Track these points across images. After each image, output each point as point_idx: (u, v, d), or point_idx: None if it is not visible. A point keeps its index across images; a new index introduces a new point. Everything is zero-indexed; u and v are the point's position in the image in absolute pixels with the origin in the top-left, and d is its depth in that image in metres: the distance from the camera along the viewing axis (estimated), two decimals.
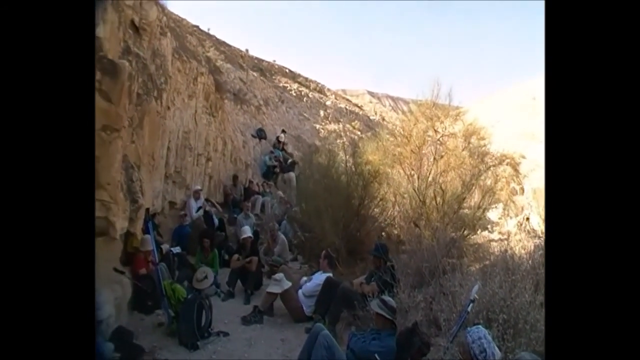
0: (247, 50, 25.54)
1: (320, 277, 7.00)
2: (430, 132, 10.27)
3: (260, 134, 19.07)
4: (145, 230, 6.82)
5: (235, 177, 14.53)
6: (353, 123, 25.80)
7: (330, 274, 7.08)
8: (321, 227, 9.31)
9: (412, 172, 9.70)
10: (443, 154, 9.87)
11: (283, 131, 19.63)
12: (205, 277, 6.93)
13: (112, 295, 5.64)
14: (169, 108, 7.73)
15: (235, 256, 8.48)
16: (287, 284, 7.02)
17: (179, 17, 18.59)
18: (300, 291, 7.14)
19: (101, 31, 3.75)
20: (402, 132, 10.86)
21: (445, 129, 10.27)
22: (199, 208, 10.92)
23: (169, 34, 7.36)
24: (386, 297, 5.10)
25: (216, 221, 11.36)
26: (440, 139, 10.10)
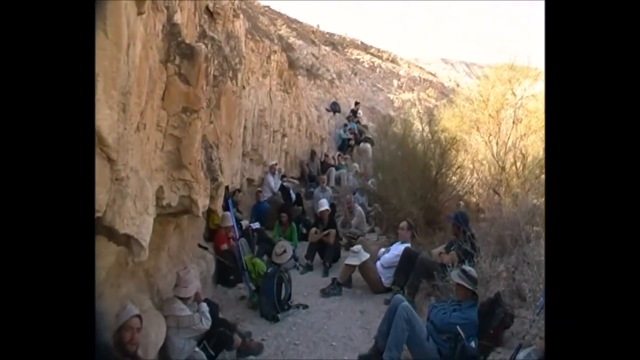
0: (318, 26, 25.43)
1: (398, 248, 6.98)
2: (509, 95, 9.84)
3: (334, 108, 19.10)
4: (225, 207, 7.07)
5: (313, 152, 14.72)
6: (427, 91, 25.30)
7: (409, 244, 7.05)
8: (398, 197, 9.25)
9: (491, 138, 9.35)
10: (523, 117, 9.44)
11: (357, 103, 19.51)
12: (284, 251, 7.11)
13: (197, 270, 5.91)
14: (244, 87, 7.87)
15: (313, 229, 8.59)
16: (365, 256, 7.06)
17: None
18: (378, 262, 7.15)
19: (179, 18, 3.88)
20: (478, 97, 10.50)
21: (525, 90, 9.80)
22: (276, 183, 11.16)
23: (241, 15, 7.47)
24: (467, 267, 5.01)
25: (293, 196, 11.57)
26: (520, 101, 9.66)
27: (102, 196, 2.21)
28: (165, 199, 3.62)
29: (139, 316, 3.68)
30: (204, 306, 4.82)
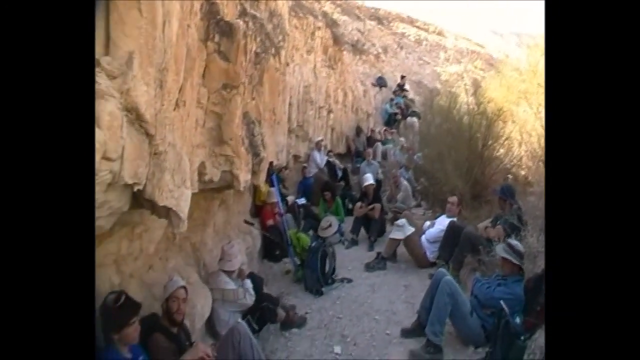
0: (363, 2, 25.09)
1: (443, 222, 6.89)
2: None
3: (381, 82, 18.94)
4: (271, 184, 7.18)
5: (358, 128, 14.67)
6: (475, 63, 24.70)
7: (454, 219, 6.98)
8: (444, 171, 9.10)
9: (540, 108, 9.01)
10: None
11: (403, 77, 19.25)
12: (330, 225, 7.19)
13: (243, 245, 6.05)
14: (288, 64, 7.88)
15: (359, 204, 8.57)
16: (410, 230, 7.01)
17: None
18: (423, 237, 7.10)
19: None
20: (527, 66, 10.13)
21: None
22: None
23: None
24: (513, 241, 4.89)
25: (339, 171, 11.60)
26: None
27: (141, 169, 2.29)
28: (208, 175, 3.71)
29: (184, 287, 3.81)
30: (248, 283, 4.94)
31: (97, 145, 1.79)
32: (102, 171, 1.95)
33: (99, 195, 2.06)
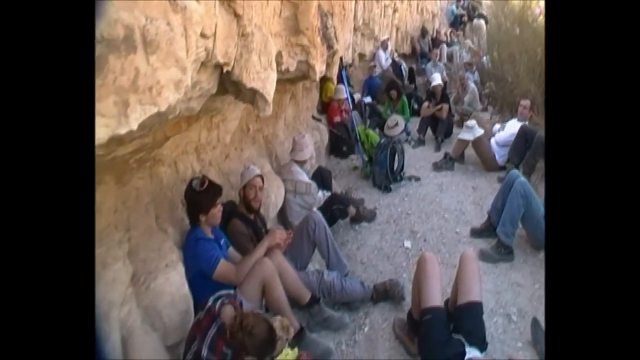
0: None
1: (514, 126, 6.66)
2: None
3: None
4: (340, 80, 7.09)
5: (423, 29, 14.26)
6: None
7: (526, 122, 6.73)
8: (515, 74, 8.74)
9: None
10: None
11: None
12: (397, 124, 7.10)
13: (311, 140, 6.09)
14: None
15: (426, 104, 8.42)
16: (480, 132, 6.82)
17: None
18: (492, 139, 6.92)
19: None
20: None
21: None
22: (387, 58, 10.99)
23: None
24: None
25: (405, 71, 11.37)
26: None
27: (231, 49, 2.26)
28: (284, 64, 3.64)
29: (261, 176, 3.89)
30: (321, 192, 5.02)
31: (197, 18, 1.76)
32: (199, 48, 1.93)
33: (193, 74, 2.05)
